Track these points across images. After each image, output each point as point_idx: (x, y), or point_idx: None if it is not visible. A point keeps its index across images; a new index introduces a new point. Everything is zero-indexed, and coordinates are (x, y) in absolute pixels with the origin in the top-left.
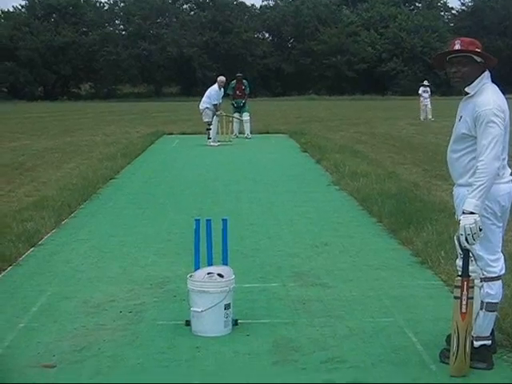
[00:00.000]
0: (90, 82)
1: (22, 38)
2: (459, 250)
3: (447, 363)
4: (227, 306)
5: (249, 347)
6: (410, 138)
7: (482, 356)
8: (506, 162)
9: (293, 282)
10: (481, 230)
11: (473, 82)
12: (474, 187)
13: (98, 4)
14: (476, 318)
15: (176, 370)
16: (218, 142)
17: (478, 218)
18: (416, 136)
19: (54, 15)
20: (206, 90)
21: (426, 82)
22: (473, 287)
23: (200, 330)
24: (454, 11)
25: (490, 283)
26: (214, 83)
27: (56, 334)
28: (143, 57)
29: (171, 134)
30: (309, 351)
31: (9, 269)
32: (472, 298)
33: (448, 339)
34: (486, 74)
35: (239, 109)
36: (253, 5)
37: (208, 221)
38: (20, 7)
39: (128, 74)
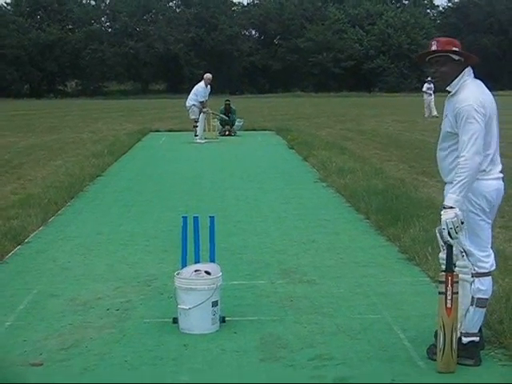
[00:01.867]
0: (76, 80)
1: (8, 36)
2: (441, 242)
3: (435, 360)
4: (214, 304)
5: (236, 344)
6: (397, 134)
7: (469, 352)
8: (494, 157)
9: (280, 279)
10: (462, 223)
11: (453, 80)
12: (455, 183)
13: (83, 1)
14: (466, 314)
15: (163, 367)
16: (205, 139)
17: (459, 212)
18: (403, 133)
19: (40, 12)
20: (192, 87)
21: (429, 79)
22: (457, 282)
23: (187, 328)
24: (439, 8)
25: (481, 279)
26: (201, 80)
27: (43, 332)
28: (129, 54)
29: (158, 131)
30: (296, 348)
31: None
32: (457, 292)
33: (436, 335)
34: (467, 71)
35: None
36: (239, 2)
37: (195, 218)
38: (5, 4)
39: (114, 71)
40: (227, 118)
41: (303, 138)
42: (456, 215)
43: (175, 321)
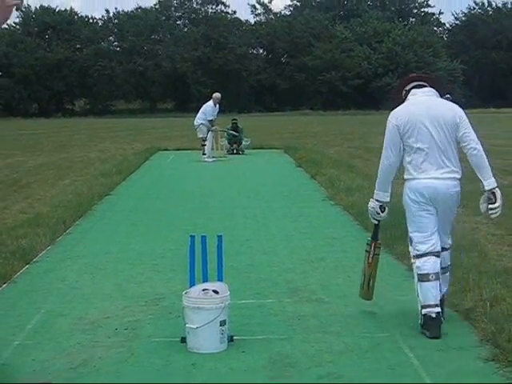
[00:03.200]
0: (84, 99)
1: (16, 55)
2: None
3: (426, 332)
4: (222, 323)
5: (244, 363)
6: None
7: (427, 325)
8: (422, 160)
9: (288, 298)
10: (381, 212)
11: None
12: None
13: (91, 20)
14: (418, 290)
15: None
16: (213, 157)
17: (373, 204)
18: None
19: (49, 32)
20: (200, 106)
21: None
22: (379, 247)
23: (195, 347)
24: (447, 25)
25: (419, 259)
26: (209, 99)
27: (51, 352)
28: (137, 73)
29: (166, 149)
30: (305, 367)
31: (4, 286)
32: (378, 254)
33: (422, 324)
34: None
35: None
36: (247, 20)
37: (203, 237)
38: (14, 24)
39: (122, 89)
40: (236, 134)
41: (311, 156)
42: (372, 207)
43: (183, 340)
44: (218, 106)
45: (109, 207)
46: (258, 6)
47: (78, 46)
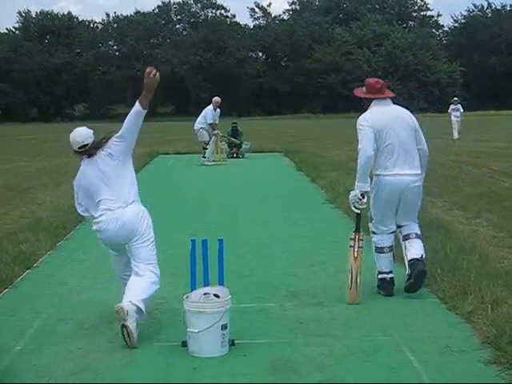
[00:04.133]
0: (84, 103)
1: (16, 60)
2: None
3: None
4: (224, 327)
5: (246, 367)
6: None
7: (382, 286)
8: (390, 159)
9: (289, 302)
10: (362, 198)
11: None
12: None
13: (91, 25)
14: (376, 259)
15: None
16: (213, 161)
17: (354, 192)
18: None
19: (48, 37)
20: (200, 110)
21: (455, 99)
22: (362, 240)
23: (197, 351)
24: (446, 28)
25: (376, 235)
26: (209, 103)
27: (53, 357)
28: (137, 77)
29: (166, 153)
30: (306, 371)
31: (5, 291)
32: (362, 247)
33: (378, 286)
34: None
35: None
36: (246, 24)
37: (204, 241)
38: (14, 29)
39: (122, 94)
40: (237, 141)
41: (311, 160)
42: (354, 194)
43: (184, 344)
44: (218, 109)
45: None
46: (256, 9)
47: (77, 50)
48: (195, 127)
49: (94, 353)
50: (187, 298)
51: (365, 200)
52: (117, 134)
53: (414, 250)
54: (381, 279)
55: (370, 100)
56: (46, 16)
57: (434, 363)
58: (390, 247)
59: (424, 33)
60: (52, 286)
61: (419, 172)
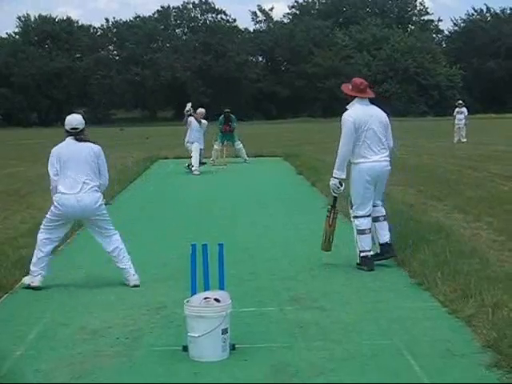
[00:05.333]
0: (84, 108)
1: (16, 65)
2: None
3: (363, 269)
4: (224, 331)
5: (247, 372)
6: (405, 158)
7: (365, 263)
8: (368, 148)
9: (290, 306)
10: (340, 186)
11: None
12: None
13: (91, 29)
14: (357, 240)
15: None
16: (213, 166)
17: (334, 181)
18: (411, 157)
19: (48, 41)
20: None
21: (460, 102)
22: (337, 213)
23: (197, 356)
24: (445, 32)
25: (358, 219)
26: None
27: (53, 362)
28: (137, 82)
29: (166, 158)
30: (307, 375)
31: (5, 296)
32: (336, 218)
33: (359, 263)
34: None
35: (228, 138)
36: (246, 28)
37: (204, 246)
38: (14, 34)
39: (122, 98)
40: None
41: (311, 164)
42: (334, 183)
43: (185, 349)
44: (204, 121)
45: (109, 216)
46: (259, 13)
47: (77, 55)
48: (185, 145)
49: (95, 358)
50: (188, 302)
51: (342, 187)
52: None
53: (384, 232)
54: (363, 257)
55: (353, 97)
56: (45, 21)
57: (435, 367)
58: (370, 229)
59: (424, 36)
60: (52, 290)
61: (389, 158)
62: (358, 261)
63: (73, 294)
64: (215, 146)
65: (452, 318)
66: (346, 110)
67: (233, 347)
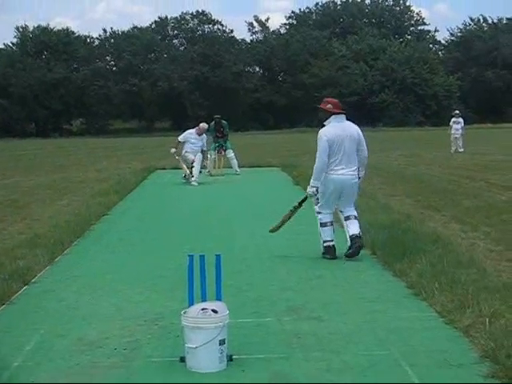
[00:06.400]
0: (81, 118)
1: (14, 75)
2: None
3: (327, 257)
4: (222, 342)
5: (244, 383)
6: (402, 169)
7: (328, 252)
8: (336, 162)
9: (287, 316)
10: (317, 192)
11: (327, 119)
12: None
13: (88, 40)
14: (320, 232)
15: None
16: (211, 176)
17: (312, 189)
18: (408, 167)
19: (46, 52)
20: (197, 125)
21: (457, 112)
22: (300, 208)
23: (195, 366)
24: (443, 42)
25: (321, 214)
26: (206, 120)
27: (51, 373)
28: (134, 92)
29: (163, 169)
30: None
31: (2, 307)
32: (296, 211)
33: (324, 252)
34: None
35: (222, 144)
36: (243, 39)
37: (201, 256)
38: (11, 45)
39: (119, 109)
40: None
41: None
42: (312, 191)
43: (182, 360)
44: (204, 136)
45: (107, 227)
46: (255, 23)
47: (75, 65)
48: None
49: (92, 369)
50: (185, 313)
51: (317, 193)
52: None
53: (354, 227)
54: (326, 247)
55: (331, 115)
56: (43, 31)
57: (433, 377)
58: (331, 222)
59: (421, 47)
60: (49, 301)
61: (356, 172)
62: (323, 250)
63: (70, 305)
64: (210, 156)
65: (449, 328)
66: (323, 125)
67: (230, 358)
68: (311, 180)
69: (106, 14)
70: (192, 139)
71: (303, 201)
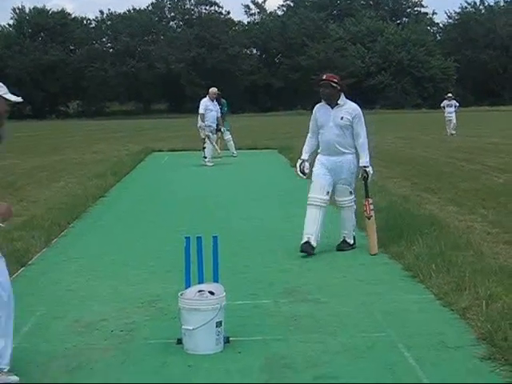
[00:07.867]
0: (78, 100)
1: (10, 57)
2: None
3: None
4: (219, 324)
5: (241, 365)
6: (399, 151)
7: (304, 248)
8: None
9: (284, 298)
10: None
11: (338, 98)
12: (364, 153)
13: (85, 22)
14: (352, 218)
15: None
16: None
17: (300, 160)
18: (405, 149)
19: (42, 34)
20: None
21: (449, 95)
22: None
23: (192, 348)
24: (440, 24)
25: (354, 201)
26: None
27: (47, 355)
28: (131, 74)
29: (160, 151)
30: (301, 368)
31: None
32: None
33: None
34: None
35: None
36: (239, 21)
37: (198, 238)
38: (8, 26)
39: (116, 91)
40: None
41: None
42: (300, 161)
43: (179, 341)
44: (216, 102)
45: (104, 209)
46: (252, 5)
47: (71, 47)
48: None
49: (89, 350)
50: (182, 295)
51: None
52: None
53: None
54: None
55: (339, 91)
56: (39, 13)
57: (429, 359)
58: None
59: (418, 29)
60: (46, 283)
61: (350, 154)
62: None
63: (67, 287)
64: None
65: (446, 311)
66: (355, 102)
67: (227, 340)
68: (367, 159)
69: None
70: (210, 106)
71: (366, 186)
